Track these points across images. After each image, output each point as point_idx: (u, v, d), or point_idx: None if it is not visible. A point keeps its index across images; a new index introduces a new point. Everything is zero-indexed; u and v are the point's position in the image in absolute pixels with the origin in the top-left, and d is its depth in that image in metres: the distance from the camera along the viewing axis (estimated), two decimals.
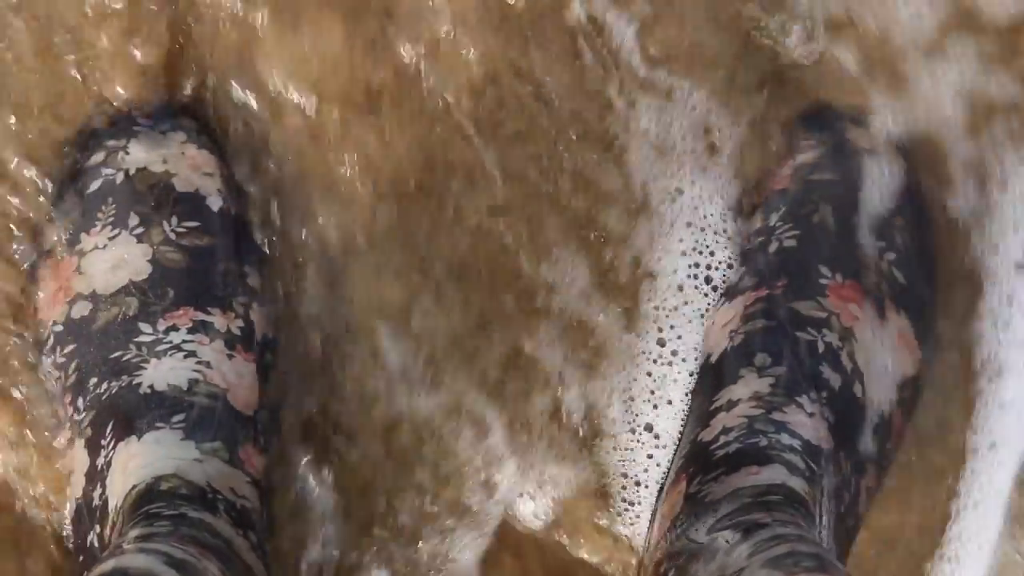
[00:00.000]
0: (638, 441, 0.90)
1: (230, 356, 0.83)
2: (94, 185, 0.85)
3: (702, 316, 0.89)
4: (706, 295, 0.89)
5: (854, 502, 0.82)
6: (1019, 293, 0.91)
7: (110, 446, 0.79)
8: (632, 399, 0.90)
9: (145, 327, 0.82)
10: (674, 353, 0.90)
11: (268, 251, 0.89)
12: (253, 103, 0.88)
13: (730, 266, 0.89)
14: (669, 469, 0.86)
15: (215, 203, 0.86)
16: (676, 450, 0.87)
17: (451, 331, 0.90)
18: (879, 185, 0.87)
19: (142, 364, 0.81)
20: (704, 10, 0.90)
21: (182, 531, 0.72)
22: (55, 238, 0.86)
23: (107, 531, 0.77)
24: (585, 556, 0.92)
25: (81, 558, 0.81)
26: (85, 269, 0.84)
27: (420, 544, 0.90)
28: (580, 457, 0.91)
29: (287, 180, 0.89)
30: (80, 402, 0.82)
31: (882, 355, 0.84)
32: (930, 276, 0.88)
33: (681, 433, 0.88)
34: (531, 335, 0.90)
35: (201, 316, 0.83)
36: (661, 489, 0.87)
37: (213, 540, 0.73)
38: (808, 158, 0.89)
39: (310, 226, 0.90)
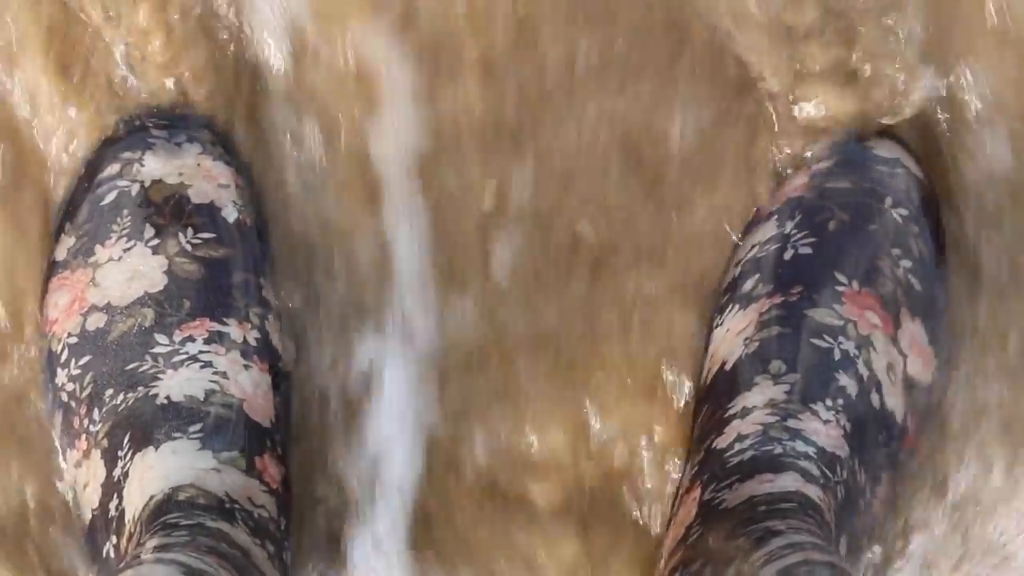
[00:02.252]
0: None
1: (246, 367, 0.84)
2: (109, 197, 0.86)
3: None
4: None
5: (868, 509, 0.82)
6: None
7: (127, 457, 0.80)
8: None
9: (161, 338, 0.83)
10: None
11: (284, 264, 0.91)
12: None
13: None
14: (682, 476, 0.87)
15: (230, 214, 0.87)
16: (688, 457, 0.88)
17: None
18: (895, 193, 0.88)
19: (158, 375, 0.82)
20: None
21: (200, 541, 0.74)
22: (68, 250, 0.87)
23: (124, 542, 0.79)
24: None
25: (97, 569, 0.82)
26: (100, 281, 0.85)
27: None
28: None
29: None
30: (96, 414, 0.83)
31: (898, 363, 0.85)
32: (944, 284, 0.89)
33: (691, 439, 0.89)
34: None
35: (217, 327, 0.84)
36: (675, 496, 0.88)
37: (231, 550, 0.75)
38: (824, 165, 0.90)
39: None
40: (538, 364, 0.92)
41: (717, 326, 0.90)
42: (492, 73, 0.91)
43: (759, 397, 0.83)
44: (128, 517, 0.79)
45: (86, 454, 0.84)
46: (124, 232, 0.85)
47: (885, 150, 0.90)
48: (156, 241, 0.85)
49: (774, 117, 0.92)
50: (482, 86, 0.91)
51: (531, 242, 0.92)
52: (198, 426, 0.81)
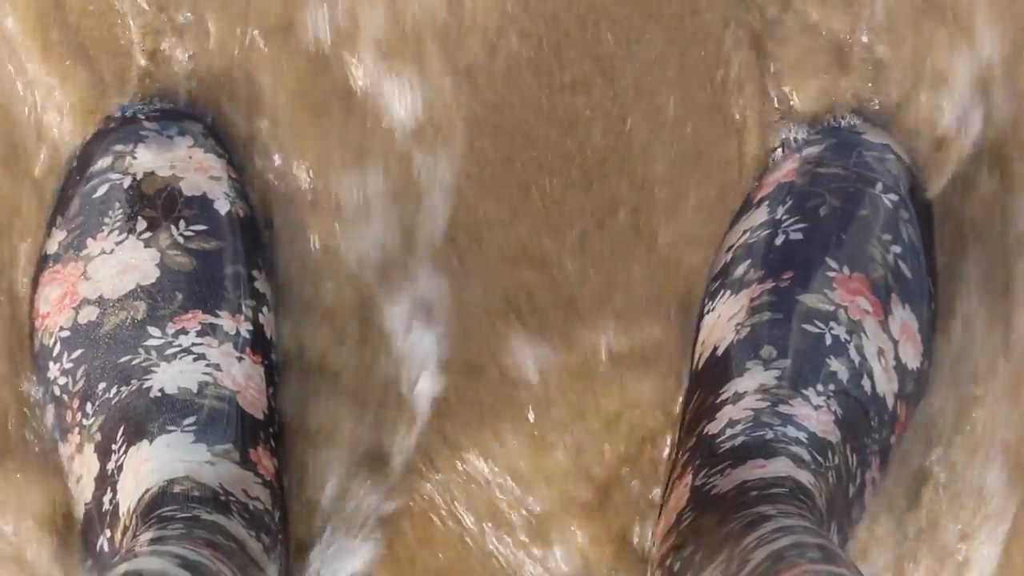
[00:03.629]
0: None
1: (239, 359, 0.85)
2: (101, 190, 0.87)
3: None
4: None
5: (859, 494, 0.83)
6: None
7: (121, 450, 0.81)
8: None
9: (154, 331, 0.84)
10: None
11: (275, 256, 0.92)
12: None
13: None
14: (675, 462, 0.88)
15: (223, 206, 0.87)
16: (679, 443, 0.88)
17: None
18: (885, 178, 0.89)
19: (152, 368, 0.83)
20: None
21: (196, 533, 0.74)
22: (60, 243, 0.87)
23: (118, 535, 0.79)
24: None
25: (90, 562, 0.84)
26: (92, 274, 0.85)
27: None
28: None
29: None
30: (89, 407, 0.84)
31: (889, 349, 0.85)
32: (933, 270, 0.90)
33: (682, 424, 0.90)
34: None
35: (210, 319, 0.85)
36: (666, 483, 0.88)
37: (227, 542, 0.76)
38: (815, 151, 0.91)
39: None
40: None
41: (708, 312, 0.90)
42: None
43: (750, 382, 0.84)
44: (123, 510, 0.80)
45: (79, 448, 0.84)
46: (116, 225, 0.86)
47: (874, 136, 0.91)
48: (148, 234, 0.86)
49: (769, 101, 0.93)
50: None
51: None
52: (192, 419, 0.82)
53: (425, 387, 0.93)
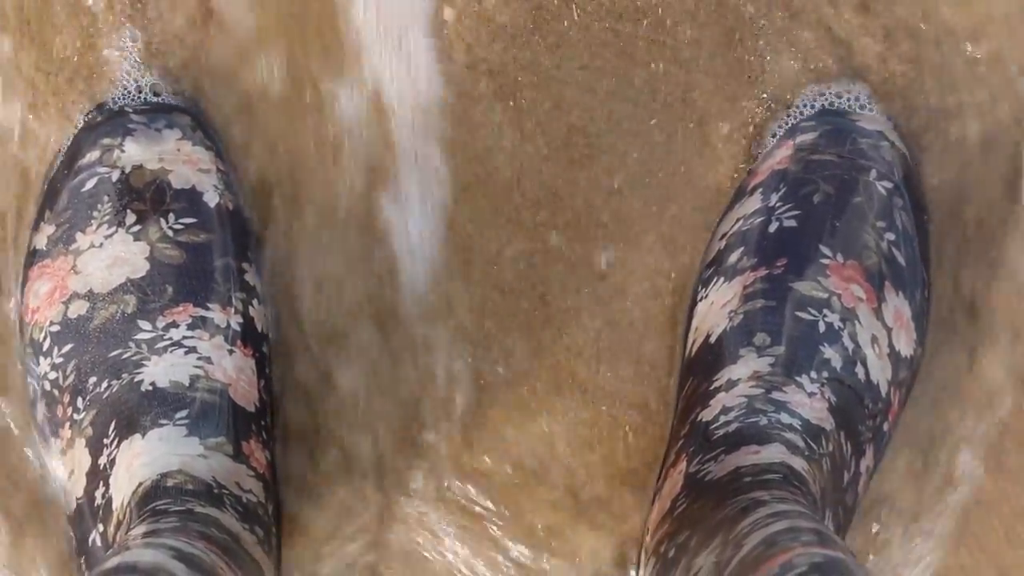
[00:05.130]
0: None
1: (230, 352, 0.85)
2: (89, 183, 0.87)
3: None
4: None
5: (853, 481, 0.84)
6: None
7: (113, 445, 0.82)
8: None
9: (144, 324, 0.84)
10: None
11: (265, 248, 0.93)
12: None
13: None
14: (667, 450, 0.88)
15: (212, 199, 0.88)
16: (673, 430, 0.89)
17: None
18: (879, 165, 0.89)
19: (143, 362, 0.83)
20: None
21: (190, 526, 0.75)
22: (48, 238, 0.88)
23: (111, 530, 0.80)
24: None
25: (82, 558, 0.84)
26: (81, 268, 0.86)
27: None
28: None
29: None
30: (80, 402, 0.84)
31: (882, 336, 0.86)
32: (926, 258, 0.90)
33: (675, 412, 0.91)
34: None
35: (200, 312, 0.85)
36: (660, 470, 0.89)
37: (220, 535, 0.76)
38: (809, 138, 0.91)
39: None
40: None
41: (702, 299, 0.91)
42: None
43: (744, 369, 0.84)
44: (116, 505, 0.80)
45: (70, 443, 0.85)
46: (105, 219, 0.86)
47: (869, 123, 0.91)
48: (138, 227, 0.86)
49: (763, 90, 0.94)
50: None
51: None
52: (184, 412, 0.82)
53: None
